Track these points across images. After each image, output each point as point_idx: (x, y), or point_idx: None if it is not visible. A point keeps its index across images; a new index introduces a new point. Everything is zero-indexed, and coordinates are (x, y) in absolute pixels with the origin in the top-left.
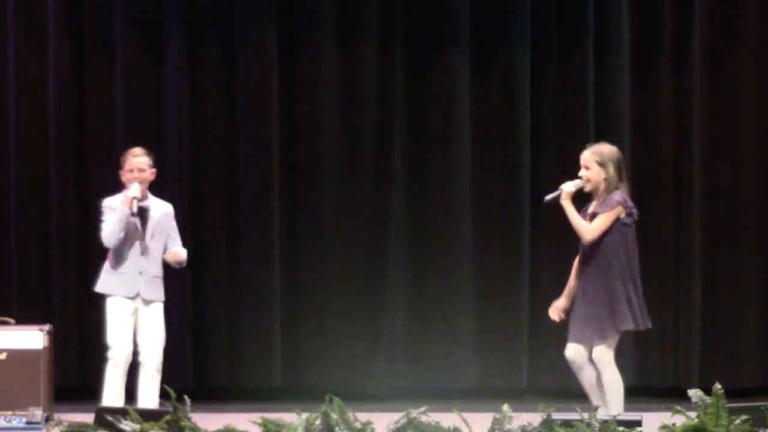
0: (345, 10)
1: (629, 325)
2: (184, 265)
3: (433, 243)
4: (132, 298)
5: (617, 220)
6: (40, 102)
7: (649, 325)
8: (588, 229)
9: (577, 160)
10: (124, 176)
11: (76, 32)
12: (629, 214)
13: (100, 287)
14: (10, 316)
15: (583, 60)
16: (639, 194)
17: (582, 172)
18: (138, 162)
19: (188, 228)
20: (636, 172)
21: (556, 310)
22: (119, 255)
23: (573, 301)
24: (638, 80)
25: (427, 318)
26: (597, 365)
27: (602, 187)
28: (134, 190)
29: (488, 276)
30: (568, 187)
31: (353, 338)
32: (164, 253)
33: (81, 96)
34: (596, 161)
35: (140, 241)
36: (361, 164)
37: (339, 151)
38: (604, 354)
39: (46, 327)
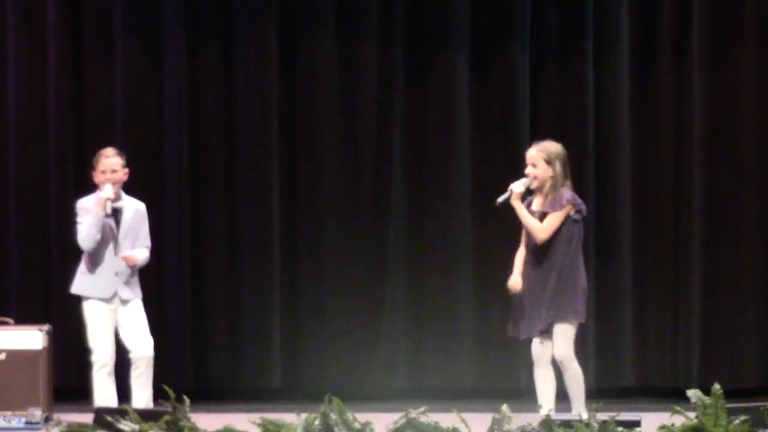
0: (344, 9)
1: (582, 319)
2: (137, 266)
3: (433, 242)
4: (109, 300)
5: (567, 217)
6: (39, 102)
7: (584, 318)
8: (541, 228)
9: (577, 159)
10: (97, 177)
11: (76, 33)
12: (578, 211)
13: (76, 289)
14: (9, 316)
15: (583, 59)
16: (638, 193)
17: (528, 170)
18: (110, 163)
19: (187, 228)
20: (635, 172)
21: (516, 283)
22: (95, 257)
23: (523, 299)
24: (638, 79)
25: (426, 318)
26: (560, 361)
27: (548, 184)
28: (107, 191)
29: (487, 276)
30: (518, 188)
31: (352, 338)
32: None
33: (81, 96)
34: (543, 159)
35: (114, 242)
36: (361, 164)
37: (339, 150)
38: (563, 350)
39: (46, 327)
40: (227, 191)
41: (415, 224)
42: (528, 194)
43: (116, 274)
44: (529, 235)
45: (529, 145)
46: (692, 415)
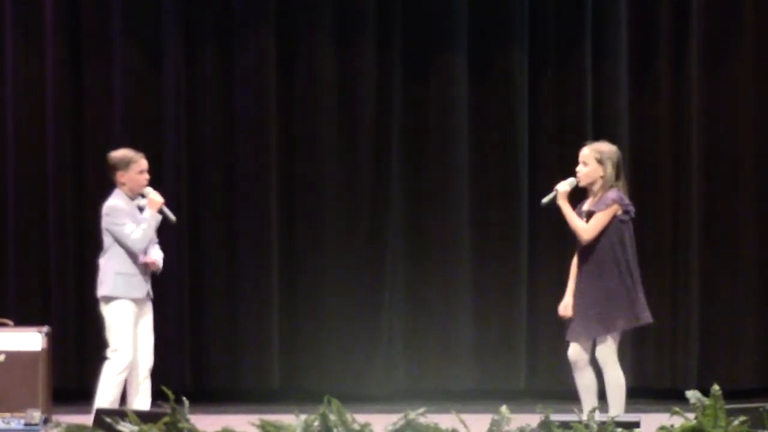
0: (343, 10)
1: (628, 324)
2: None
3: (431, 244)
4: (141, 299)
5: (614, 217)
6: (38, 103)
7: (650, 320)
8: (585, 228)
9: (575, 160)
10: (131, 178)
11: (74, 34)
12: (626, 212)
13: (111, 291)
14: (8, 318)
15: (581, 61)
16: (637, 195)
17: (579, 168)
18: (145, 163)
19: (186, 229)
20: (634, 173)
21: (566, 308)
22: (133, 258)
23: (573, 301)
24: (636, 81)
25: (425, 319)
26: (600, 364)
27: (598, 184)
28: (156, 193)
29: (486, 277)
30: (563, 187)
31: (351, 340)
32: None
33: (79, 98)
34: (595, 158)
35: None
36: (359, 165)
37: (337, 151)
38: (606, 353)
39: (45, 329)
40: (226, 193)
41: (414, 225)
42: (584, 196)
43: (146, 273)
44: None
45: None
46: (691, 416)
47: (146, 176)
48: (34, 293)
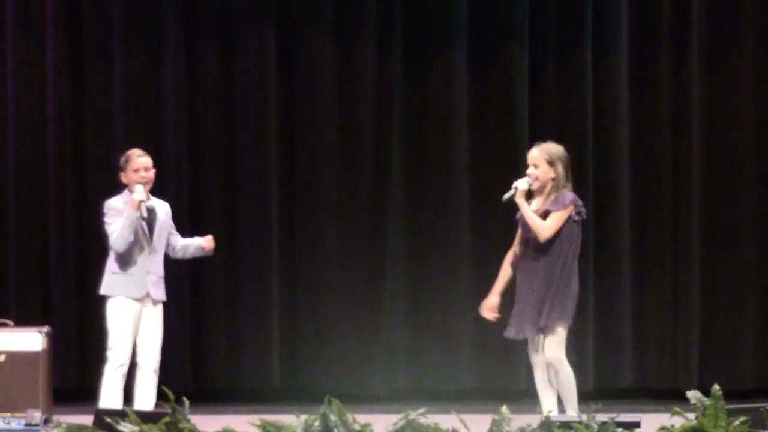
0: (343, 9)
1: (570, 322)
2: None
3: (432, 243)
4: (140, 299)
5: (568, 218)
6: (38, 103)
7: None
8: (545, 227)
9: (575, 160)
10: (129, 177)
11: (75, 33)
12: (578, 213)
13: (106, 290)
14: (8, 318)
15: (582, 60)
16: (637, 194)
17: (530, 170)
18: (144, 162)
19: (186, 229)
20: (634, 173)
21: (489, 310)
22: (127, 257)
23: (516, 298)
24: (637, 80)
25: (425, 319)
26: (550, 363)
27: (550, 185)
28: (140, 193)
29: (486, 277)
30: (522, 185)
31: (352, 339)
32: (167, 249)
33: (79, 97)
34: (545, 159)
35: (147, 243)
36: (360, 164)
37: (337, 151)
38: (557, 351)
39: (45, 329)
40: (226, 193)
41: (414, 225)
42: (528, 197)
43: (148, 273)
44: (527, 235)
45: (530, 146)
46: (692, 416)
47: (142, 175)
48: (34, 293)
